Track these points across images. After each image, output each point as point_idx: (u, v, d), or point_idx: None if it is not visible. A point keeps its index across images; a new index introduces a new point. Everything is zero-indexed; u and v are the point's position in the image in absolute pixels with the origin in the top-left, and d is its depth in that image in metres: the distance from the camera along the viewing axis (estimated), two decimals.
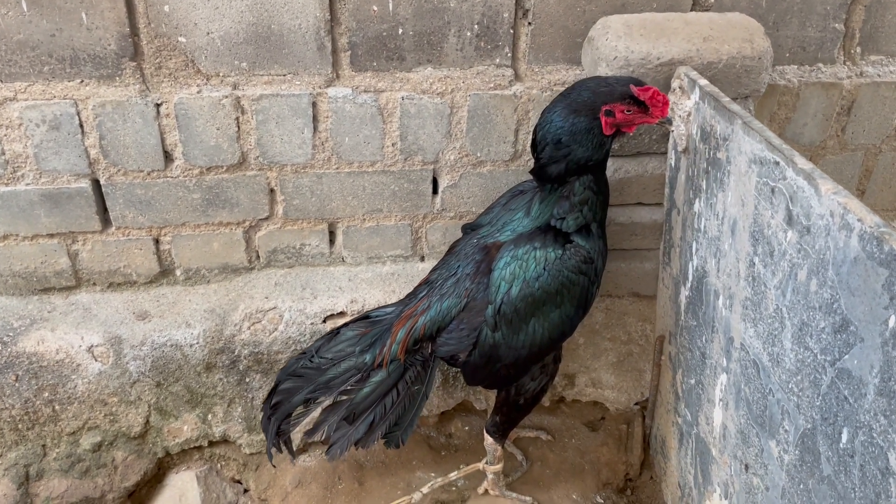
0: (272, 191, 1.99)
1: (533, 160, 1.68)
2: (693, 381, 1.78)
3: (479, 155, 2.00)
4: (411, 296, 1.85)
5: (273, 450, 1.88)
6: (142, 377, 2.01)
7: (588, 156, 1.60)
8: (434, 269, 1.84)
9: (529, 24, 1.85)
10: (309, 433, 1.87)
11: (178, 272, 2.08)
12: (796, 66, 2.03)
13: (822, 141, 2.13)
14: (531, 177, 1.73)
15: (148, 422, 2.07)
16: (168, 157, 1.89)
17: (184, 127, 1.85)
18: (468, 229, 1.87)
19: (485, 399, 2.22)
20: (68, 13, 1.69)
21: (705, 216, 1.60)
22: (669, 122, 1.61)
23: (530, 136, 1.70)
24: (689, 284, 1.74)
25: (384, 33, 1.82)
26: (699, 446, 1.79)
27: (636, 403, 2.23)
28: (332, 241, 2.11)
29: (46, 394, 1.98)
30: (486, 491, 2.05)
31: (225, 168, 1.93)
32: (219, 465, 2.21)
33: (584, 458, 2.20)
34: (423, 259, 2.18)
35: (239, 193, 1.97)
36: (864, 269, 1.05)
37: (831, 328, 1.15)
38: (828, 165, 2.16)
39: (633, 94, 1.55)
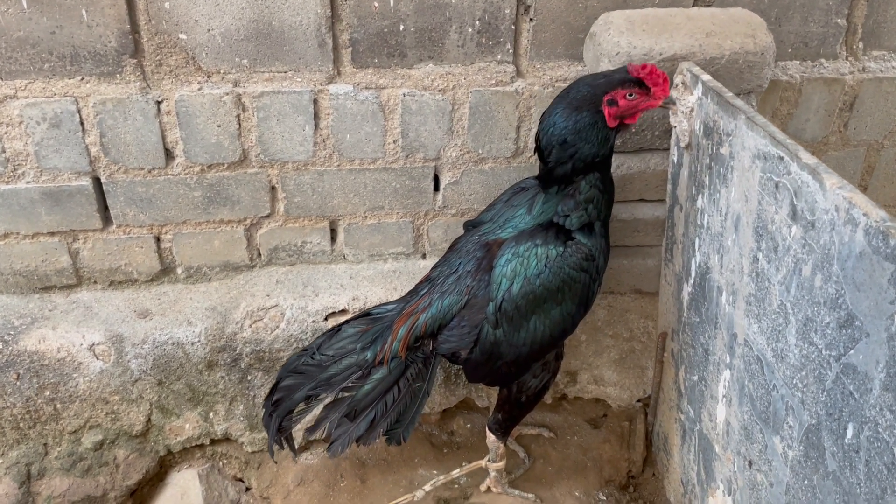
0: (273, 188, 1.99)
1: (539, 162, 1.68)
2: (696, 378, 1.78)
3: (480, 152, 1.99)
4: (413, 293, 1.84)
5: (275, 447, 1.88)
6: (143, 375, 2.00)
7: (594, 152, 1.60)
8: (435, 267, 1.84)
9: (531, 19, 1.85)
10: (310, 430, 1.87)
11: (179, 270, 2.08)
12: (798, 62, 2.02)
13: (825, 137, 2.13)
14: (533, 174, 1.73)
15: (149, 420, 2.07)
16: (169, 154, 1.89)
17: (185, 124, 1.85)
18: (470, 226, 1.86)
19: (487, 396, 2.22)
20: (68, 10, 1.69)
21: (708, 212, 1.60)
22: (673, 101, 1.60)
23: (533, 142, 1.69)
24: (691, 281, 1.74)
25: (385, 30, 1.81)
26: (702, 443, 1.78)
27: (638, 400, 2.23)
28: (333, 239, 2.11)
29: (48, 392, 1.98)
30: (489, 488, 2.05)
31: (226, 166, 1.92)
32: (221, 464, 2.21)
33: (586, 456, 2.20)
34: (424, 256, 2.17)
35: (240, 191, 1.97)
36: (870, 263, 1.04)
37: (836, 323, 1.15)
38: (830, 161, 2.16)
39: (631, 77, 1.54)
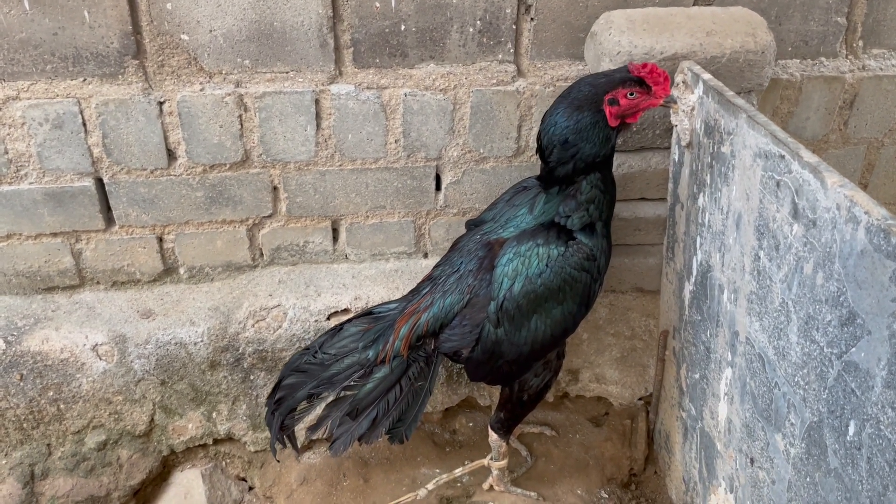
0: (275, 188, 1.99)
1: (540, 161, 1.68)
2: (697, 376, 1.78)
3: (482, 151, 2.00)
4: (414, 292, 1.85)
5: (277, 445, 1.88)
6: (146, 375, 2.01)
7: (595, 152, 1.60)
8: (437, 266, 1.84)
9: (532, 19, 1.85)
10: (312, 429, 1.87)
11: (181, 270, 2.08)
12: (798, 60, 2.03)
13: (825, 135, 2.13)
14: (534, 173, 1.73)
15: (153, 420, 2.07)
16: (171, 155, 1.89)
17: (187, 125, 1.85)
18: (471, 225, 1.87)
19: (489, 395, 2.22)
20: (70, 11, 1.69)
21: (709, 211, 1.60)
22: (674, 100, 1.60)
23: (535, 142, 1.69)
24: (693, 279, 1.74)
25: (387, 30, 1.82)
26: (704, 441, 1.79)
27: (640, 399, 2.23)
28: (335, 239, 2.11)
29: (51, 393, 1.98)
30: (491, 487, 2.06)
31: (228, 166, 1.93)
32: (224, 463, 2.22)
33: (588, 454, 2.20)
34: (426, 256, 2.18)
35: (242, 191, 1.97)
36: (872, 261, 1.05)
37: (838, 321, 1.15)
38: (830, 159, 2.16)
39: (632, 76, 1.55)
